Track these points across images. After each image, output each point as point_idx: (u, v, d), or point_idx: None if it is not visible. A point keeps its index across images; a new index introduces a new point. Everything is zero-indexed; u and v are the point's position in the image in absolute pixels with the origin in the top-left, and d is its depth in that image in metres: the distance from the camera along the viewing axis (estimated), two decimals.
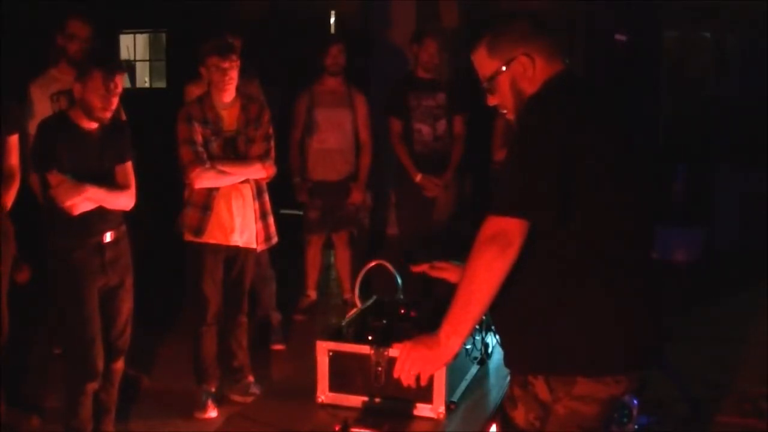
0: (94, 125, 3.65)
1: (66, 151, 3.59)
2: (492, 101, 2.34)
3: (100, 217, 3.68)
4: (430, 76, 5.58)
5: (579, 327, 2.15)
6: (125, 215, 3.83)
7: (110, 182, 3.71)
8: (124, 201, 3.76)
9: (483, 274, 2.08)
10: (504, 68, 2.25)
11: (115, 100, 3.61)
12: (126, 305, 3.86)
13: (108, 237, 3.72)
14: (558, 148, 2.06)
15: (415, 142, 5.58)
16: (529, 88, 2.24)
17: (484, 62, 2.30)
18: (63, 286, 3.71)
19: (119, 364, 3.90)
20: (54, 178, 3.57)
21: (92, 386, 3.75)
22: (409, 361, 2.19)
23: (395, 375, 2.22)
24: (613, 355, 2.18)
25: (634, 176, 2.20)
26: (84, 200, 3.59)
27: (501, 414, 2.44)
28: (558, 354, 2.17)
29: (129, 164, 3.81)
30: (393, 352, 2.40)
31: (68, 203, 3.56)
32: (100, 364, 3.73)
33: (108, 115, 3.62)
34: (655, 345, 2.27)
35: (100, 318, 3.76)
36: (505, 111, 2.33)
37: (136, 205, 3.84)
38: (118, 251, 3.78)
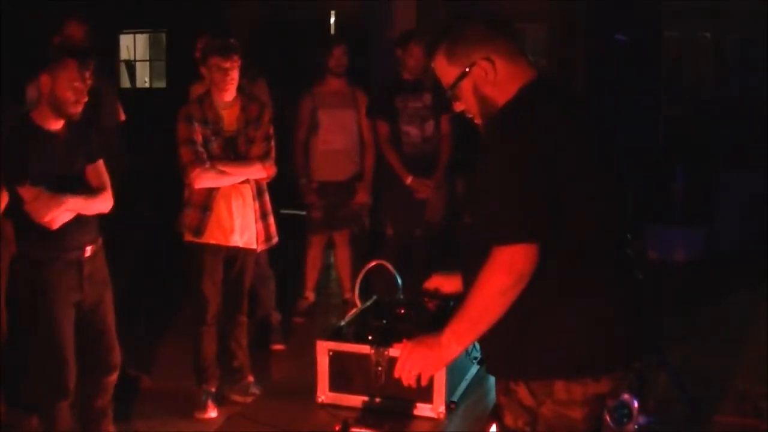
0: (59, 125, 3.43)
1: (34, 157, 3.36)
2: (458, 107, 2.31)
3: (79, 228, 3.46)
4: (416, 77, 5.57)
5: (553, 331, 2.14)
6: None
7: (83, 185, 3.50)
8: (102, 205, 3.54)
9: (497, 300, 2.07)
10: (465, 74, 2.22)
11: (85, 93, 3.41)
12: (109, 321, 3.69)
13: (88, 251, 3.51)
14: (542, 165, 2.05)
15: (403, 144, 5.56)
16: (494, 92, 2.21)
17: (444, 70, 2.26)
18: (35, 302, 3.49)
19: (113, 377, 3.75)
20: (27, 192, 3.32)
21: (65, 404, 3.58)
22: (409, 361, 2.19)
23: (396, 375, 2.22)
24: (588, 357, 2.16)
25: (605, 182, 2.18)
26: (63, 212, 3.38)
27: (497, 419, 2.43)
28: (534, 359, 2.17)
29: (101, 163, 3.58)
30: (393, 352, 2.40)
31: (47, 218, 3.33)
32: (72, 382, 3.54)
33: (79, 109, 3.40)
34: (634, 341, 2.25)
35: (86, 337, 3.60)
36: (471, 116, 2.30)
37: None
38: (95, 266, 3.58)
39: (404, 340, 2.26)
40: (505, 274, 2.05)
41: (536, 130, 2.09)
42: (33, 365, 3.73)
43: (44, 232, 3.37)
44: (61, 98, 3.37)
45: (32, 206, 3.32)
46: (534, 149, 2.06)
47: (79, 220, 3.45)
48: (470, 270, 2.20)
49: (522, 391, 2.24)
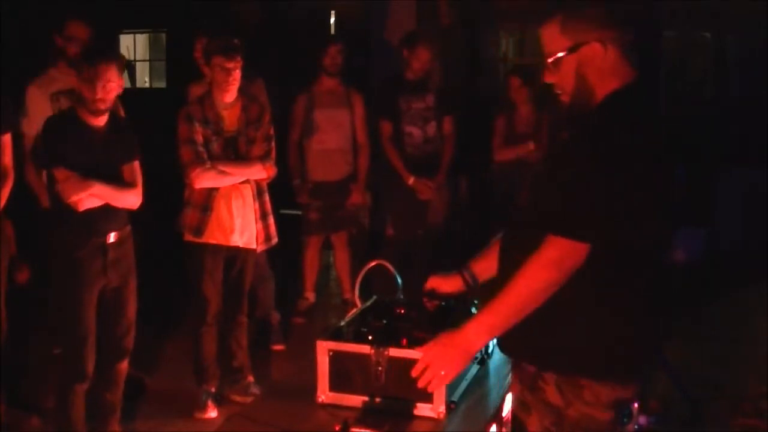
0: (101, 122, 3.63)
1: (73, 147, 3.58)
2: (549, 78, 2.24)
3: (106, 216, 3.66)
4: (419, 77, 5.57)
5: (594, 331, 2.14)
6: (129, 215, 3.81)
7: (118, 180, 3.70)
8: (131, 199, 3.73)
9: (537, 293, 2.08)
10: (574, 49, 2.15)
11: (109, 92, 3.56)
12: (130, 307, 3.84)
13: (112, 237, 3.70)
14: (631, 181, 2.05)
15: (405, 145, 5.57)
16: (594, 78, 2.16)
17: (553, 39, 2.19)
18: (62, 285, 3.68)
19: (124, 365, 3.88)
20: (61, 173, 3.55)
21: (81, 387, 3.72)
22: (434, 363, 2.19)
23: (414, 374, 2.22)
24: (623, 360, 2.17)
25: (668, 194, 2.18)
26: (90, 196, 3.57)
27: (513, 419, 2.41)
28: (570, 355, 2.16)
29: (136, 163, 3.78)
30: (393, 352, 2.40)
31: (74, 198, 3.54)
32: (90, 367, 3.70)
33: (101, 106, 3.57)
34: (657, 346, 2.32)
35: (104, 319, 3.74)
36: (559, 92, 2.24)
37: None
38: (121, 252, 3.75)
39: (423, 345, 2.25)
40: (551, 268, 2.06)
41: (632, 143, 2.07)
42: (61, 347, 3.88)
43: (73, 219, 3.57)
44: (84, 97, 3.57)
45: (62, 186, 3.55)
46: (623, 163, 2.05)
47: (107, 210, 3.65)
48: (511, 256, 2.19)
49: (550, 390, 2.22)
